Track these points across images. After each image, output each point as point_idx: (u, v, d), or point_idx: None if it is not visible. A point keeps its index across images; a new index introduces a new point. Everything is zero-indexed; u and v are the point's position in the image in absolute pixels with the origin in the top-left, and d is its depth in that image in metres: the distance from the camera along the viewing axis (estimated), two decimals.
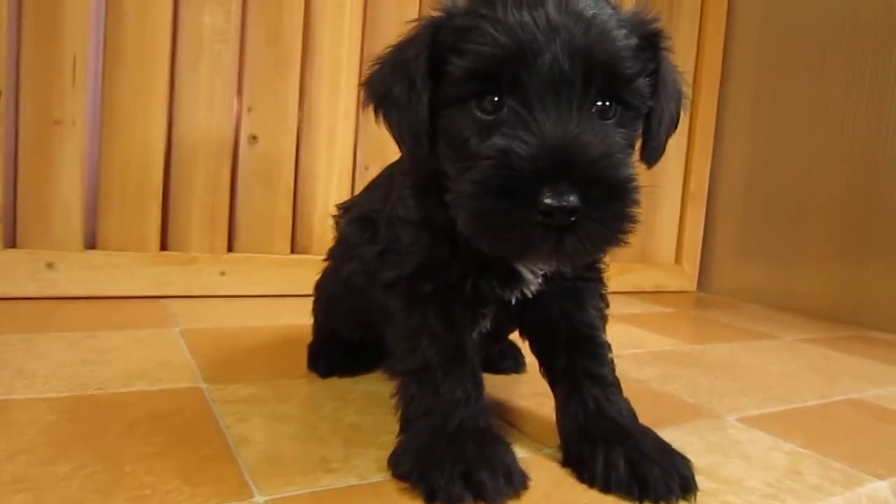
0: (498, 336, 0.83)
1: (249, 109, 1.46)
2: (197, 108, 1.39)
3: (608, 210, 0.54)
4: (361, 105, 0.70)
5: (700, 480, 0.65)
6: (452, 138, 0.60)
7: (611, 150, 0.55)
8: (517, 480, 0.61)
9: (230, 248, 1.48)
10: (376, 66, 0.68)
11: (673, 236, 2.08)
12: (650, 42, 0.64)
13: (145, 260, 1.36)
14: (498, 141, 0.55)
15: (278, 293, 1.47)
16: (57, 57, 1.25)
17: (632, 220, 0.57)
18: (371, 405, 0.82)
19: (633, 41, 0.60)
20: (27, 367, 0.87)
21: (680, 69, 0.72)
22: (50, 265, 1.27)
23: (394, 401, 0.70)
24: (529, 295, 0.70)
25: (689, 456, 0.71)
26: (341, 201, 0.89)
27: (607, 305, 0.79)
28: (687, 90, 0.72)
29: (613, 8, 0.62)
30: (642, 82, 0.61)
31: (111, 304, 1.28)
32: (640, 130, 0.67)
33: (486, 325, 0.75)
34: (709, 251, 2.13)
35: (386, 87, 0.64)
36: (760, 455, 0.76)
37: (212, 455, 0.65)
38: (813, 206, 1.84)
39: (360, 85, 0.70)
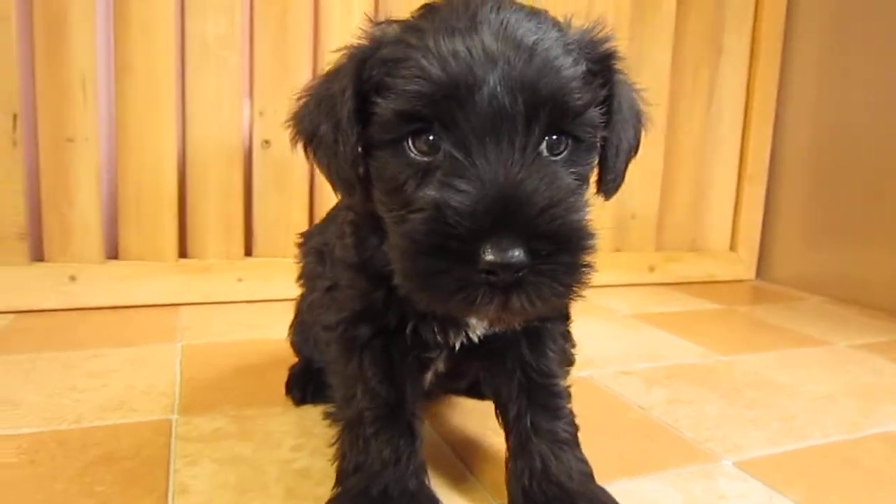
0: (460, 374, 0.78)
1: (261, 114, 1.45)
2: (206, 115, 1.40)
3: (558, 264, 0.48)
4: (291, 142, 0.64)
5: None
6: (386, 182, 0.54)
7: (559, 197, 0.49)
8: None
9: (248, 254, 1.49)
10: (302, 100, 0.62)
11: (727, 221, 1.92)
12: (602, 65, 0.57)
13: (164, 269, 1.39)
14: (430, 192, 0.49)
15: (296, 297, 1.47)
16: (66, 77, 1.28)
17: (585, 270, 0.50)
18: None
19: (582, 68, 0.53)
20: (17, 397, 0.90)
21: (637, 86, 0.63)
22: (72, 278, 1.32)
23: (333, 449, 0.67)
24: (475, 339, 0.65)
25: None
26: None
27: (573, 345, 0.72)
28: (647, 109, 0.63)
29: (559, 29, 0.55)
30: (593, 113, 0.54)
31: (129, 315, 1.33)
32: (595, 163, 0.59)
33: (440, 366, 0.70)
34: (769, 236, 1.95)
35: (313, 126, 0.59)
36: None
37: None
38: (888, 185, 1.63)
39: (287, 120, 0.64)
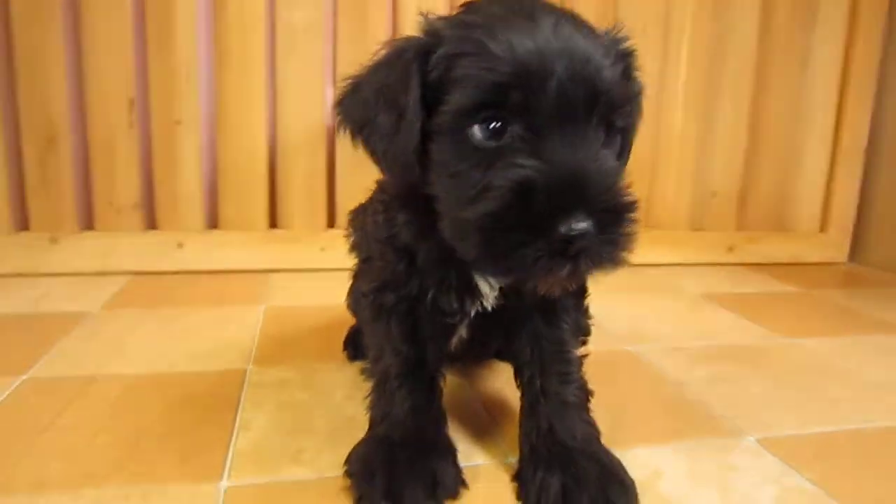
0: (483, 341, 0.83)
1: None
2: (293, 100, 1.53)
3: (615, 234, 0.55)
4: (336, 129, 0.68)
5: None
6: (448, 166, 0.58)
7: (616, 177, 0.56)
8: (441, 493, 0.65)
9: (331, 226, 1.62)
10: (350, 88, 0.67)
11: (817, 199, 1.83)
12: (624, 62, 0.63)
13: (256, 238, 1.55)
14: (504, 173, 0.55)
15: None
16: (174, 65, 1.44)
17: (633, 238, 0.57)
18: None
19: (621, 66, 0.60)
20: (126, 343, 1.07)
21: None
22: (180, 244, 1.51)
23: (367, 401, 0.76)
24: (489, 308, 0.71)
25: (660, 482, 0.70)
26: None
27: (589, 317, 0.77)
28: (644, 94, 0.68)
29: (594, 32, 0.61)
30: (628, 105, 0.62)
31: (226, 278, 1.49)
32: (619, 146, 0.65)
33: (463, 333, 0.77)
34: (867, 217, 1.83)
35: (367, 114, 0.62)
36: (746, 489, 0.70)
37: (214, 439, 0.77)
38: None
39: (334, 106, 0.68)
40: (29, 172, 1.43)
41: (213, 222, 1.57)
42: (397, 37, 0.66)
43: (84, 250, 1.47)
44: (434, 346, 0.74)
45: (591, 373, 1.00)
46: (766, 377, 1.01)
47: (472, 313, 0.72)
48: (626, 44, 0.64)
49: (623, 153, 0.66)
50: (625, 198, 0.55)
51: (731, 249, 1.79)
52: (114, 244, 1.49)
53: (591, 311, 1.01)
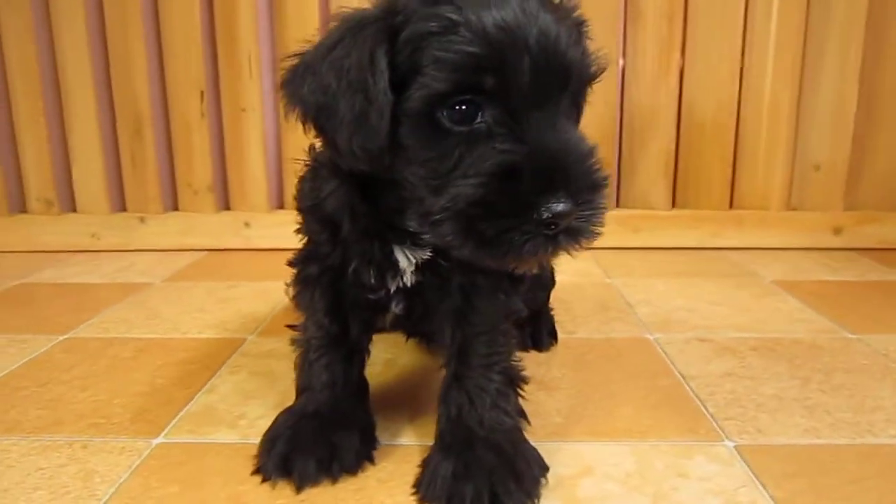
0: (420, 317, 0.75)
1: None
2: None
3: (592, 210, 0.54)
4: (286, 110, 0.60)
5: None
6: (420, 152, 0.55)
7: (591, 154, 0.55)
8: (336, 468, 0.64)
9: None
10: (299, 67, 0.59)
11: None
12: (583, 35, 0.60)
13: None
14: (492, 156, 0.53)
15: None
16: (237, 56, 1.54)
17: (604, 213, 0.56)
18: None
19: (582, 43, 0.58)
20: (162, 312, 1.17)
21: None
22: (247, 224, 1.62)
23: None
24: (408, 284, 0.68)
25: (583, 481, 0.64)
26: None
27: (520, 300, 0.71)
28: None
29: (555, 6, 0.57)
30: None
31: (285, 256, 1.56)
32: None
33: (395, 308, 0.74)
34: None
35: (325, 97, 0.56)
36: (685, 499, 0.61)
37: (177, 399, 0.83)
38: None
39: (280, 88, 0.62)
40: (123, 159, 1.61)
41: (279, 203, 1.67)
42: (346, 9, 0.59)
43: (168, 229, 1.63)
44: (357, 320, 0.72)
45: (591, 360, 0.94)
46: (794, 377, 0.86)
47: (394, 289, 0.69)
48: (578, 12, 0.60)
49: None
50: (599, 175, 0.54)
51: (837, 232, 1.54)
52: (192, 223, 1.63)
53: (633, 296, 0.92)
